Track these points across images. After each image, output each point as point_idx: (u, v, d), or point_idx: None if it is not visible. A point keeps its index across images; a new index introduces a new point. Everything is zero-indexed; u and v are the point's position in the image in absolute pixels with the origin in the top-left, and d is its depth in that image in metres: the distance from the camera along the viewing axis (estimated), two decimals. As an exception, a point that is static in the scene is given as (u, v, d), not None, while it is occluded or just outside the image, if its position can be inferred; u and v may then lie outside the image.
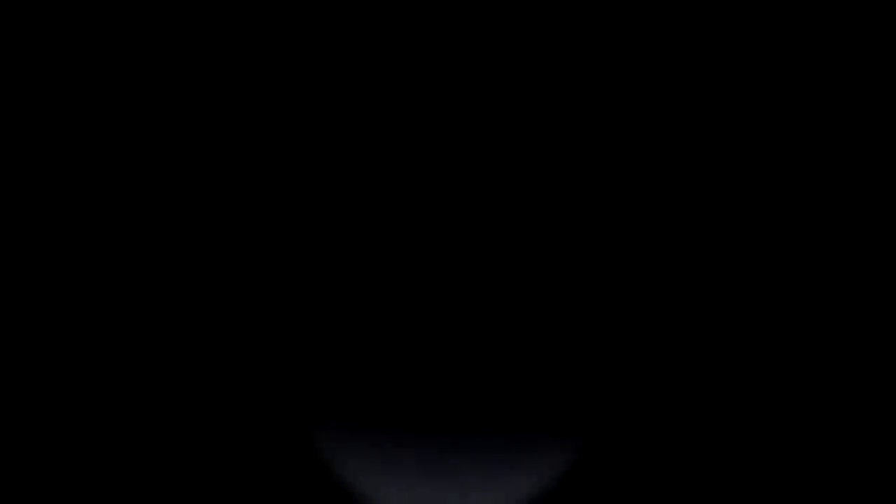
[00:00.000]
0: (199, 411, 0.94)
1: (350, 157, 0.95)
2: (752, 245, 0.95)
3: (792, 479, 0.94)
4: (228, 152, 0.95)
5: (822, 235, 0.95)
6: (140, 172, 0.95)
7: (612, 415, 0.95)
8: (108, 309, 0.95)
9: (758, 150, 0.96)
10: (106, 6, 0.95)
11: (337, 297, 0.93)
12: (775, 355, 0.95)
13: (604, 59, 0.95)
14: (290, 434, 0.94)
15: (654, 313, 0.95)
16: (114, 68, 0.95)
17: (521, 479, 0.91)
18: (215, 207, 0.95)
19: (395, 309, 0.92)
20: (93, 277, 0.95)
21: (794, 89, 0.96)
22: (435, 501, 0.90)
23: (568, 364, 0.92)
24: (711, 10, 0.95)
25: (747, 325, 0.95)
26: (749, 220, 0.95)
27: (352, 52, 0.95)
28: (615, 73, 0.95)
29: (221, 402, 0.94)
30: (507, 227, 0.94)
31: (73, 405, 0.94)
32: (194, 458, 0.94)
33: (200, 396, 0.94)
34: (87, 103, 0.95)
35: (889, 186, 0.95)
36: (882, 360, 0.95)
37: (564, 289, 0.93)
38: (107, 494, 0.94)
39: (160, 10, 0.95)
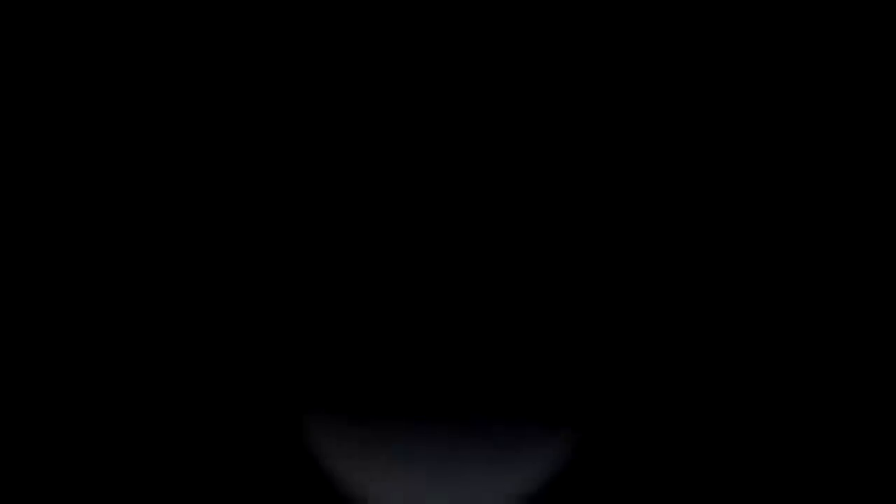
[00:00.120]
0: (191, 405, 0.95)
1: (347, 154, 0.95)
2: (747, 242, 0.95)
3: (788, 475, 0.94)
4: (219, 146, 0.96)
5: (822, 235, 0.95)
6: (136, 168, 0.96)
7: (608, 411, 0.94)
8: (100, 301, 0.95)
9: (758, 150, 0.95)
10: (106, 6, 0.96)
11: (330, 291, 0.93)
12: (771, 353, 0.95)
13: (604, 59, 0.95)
14: (282, 428, 0.94)
15: (650, 311, 0.95)
16: (114, 68, 0.96)
17: (515, 475, 0.91)
18: (208, 202, 0.96)
19: (389, 304, 0.92)
20: (85, 271, 0.95)
21: (794, 89, 0.95)
22: (428, 496, 0.90)
23: (563, 360, 0.92)
24: (711, 10, 0.95)
25: (744, 323, 0.95)
26: (743, 217, 0.95)
27: (352, 52, 0.96)
28: (615, 74, 0.95)
29: (214, 397, 0.95)
30: (504, 224, 0.94)
31: (64, 395, 0.95)
32: (187, 452, 0.94)
33: (193, 390, 0.95)
34: (88, 103, 0.96)
35: (889, 186, 0.95)
36: (882, 360, 0.94)
37: (561, 286, 0.93)
38: (98, 487, 0.94)
39: (160, 10, 0.96)
